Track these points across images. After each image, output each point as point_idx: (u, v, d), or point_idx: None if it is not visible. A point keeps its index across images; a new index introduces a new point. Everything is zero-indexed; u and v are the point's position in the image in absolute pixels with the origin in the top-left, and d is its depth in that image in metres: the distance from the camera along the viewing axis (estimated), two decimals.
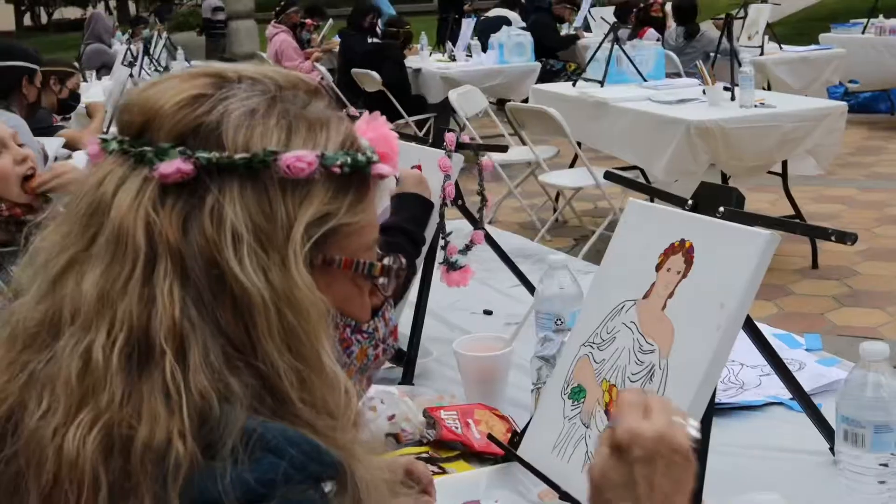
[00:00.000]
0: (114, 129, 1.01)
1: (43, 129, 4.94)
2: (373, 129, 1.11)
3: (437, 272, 2.31)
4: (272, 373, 0.91)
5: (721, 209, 1.50)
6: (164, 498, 0.84)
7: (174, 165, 0.91)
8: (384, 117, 1.13)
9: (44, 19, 45.24)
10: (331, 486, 0.91)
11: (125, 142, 0.96)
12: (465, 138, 2.27)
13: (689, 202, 1.56)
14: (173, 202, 0.92)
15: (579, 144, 6.63)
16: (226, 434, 0.87)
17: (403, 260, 1.10)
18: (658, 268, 1.57)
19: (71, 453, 0.86)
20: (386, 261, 1.07)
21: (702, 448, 1.45)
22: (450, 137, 2.23)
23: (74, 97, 5.74)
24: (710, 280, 1.47)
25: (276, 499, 0.86)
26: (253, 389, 0.91)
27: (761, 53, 8.75)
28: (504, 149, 2.36)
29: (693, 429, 1.14)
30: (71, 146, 4.67)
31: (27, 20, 43.78)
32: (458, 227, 2.48)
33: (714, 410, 1.48)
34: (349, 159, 0.99)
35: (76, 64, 8.81)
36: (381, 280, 1.08)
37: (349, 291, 1.05)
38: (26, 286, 0.97)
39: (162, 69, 5.99)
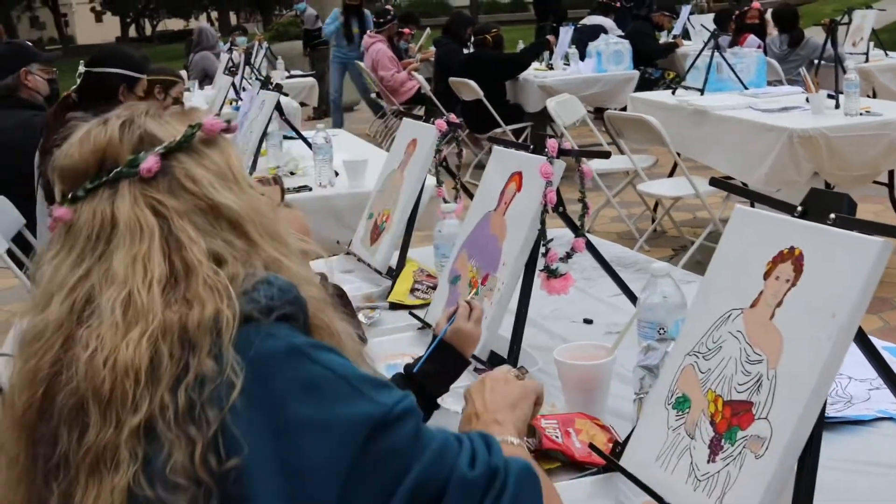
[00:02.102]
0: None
1: None
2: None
3: (538, 280, 2.30)
4: (267, 256, 1.33)
5: (832, 216, 1.46)
6: (220, 347, 1.19)
7: (151, 161, 1.30)
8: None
9: (148, 31, 46.27)
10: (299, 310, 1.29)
11: (90, 183, 1.30)
12: (567, 145, 2.25)
13: (799, 209, 1.52)
14: (157, 184, 1.30)
15: (678, 154, 6.56)
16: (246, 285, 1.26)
17: None
18: (766, 276, 1.53)
19: (126, 359, 1.18)
20: None
21: (811, 462, 1.42)
22: (552, 144, 2.22)
23: (178, 105, 5.81)
24: (820, 289, 1.43)
25: (278, 310, 1.24)
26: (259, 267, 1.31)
27: (866, 60, 8.56)
28: (607, 155, 2.34)
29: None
30: None
31: (132, 31, 44.82)
32: (559, 235, 2.47)
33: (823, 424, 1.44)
34: None
35: (183, 73, 8.95)
36: None
37: None
38: (39, 305, 1.28)
39: (262, 78, 6.04)
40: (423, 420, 1.31)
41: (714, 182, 1.80)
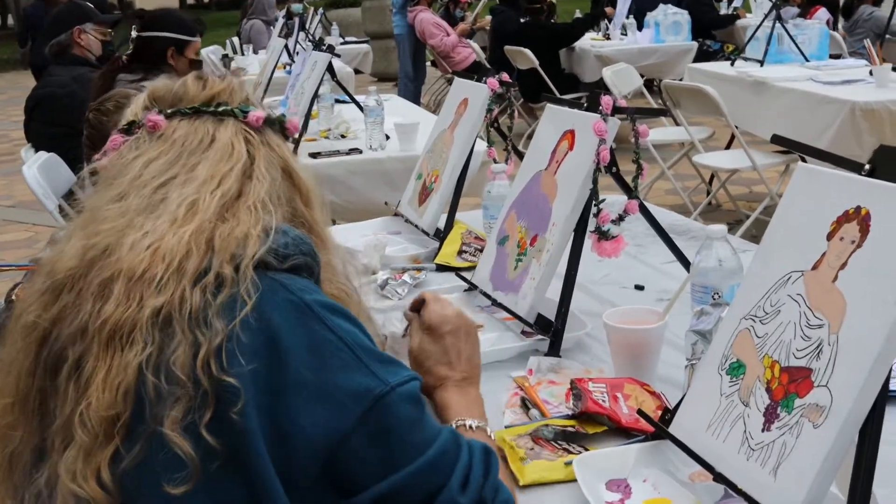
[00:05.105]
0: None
1: None
2: None
3: (588, 244, 2.22)
4: (312, 221, 1.47)
5: None
6: (241, 261, 1.26)
7: (259, 113, 1.48)
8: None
9: None
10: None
11: (196, 107, 1.46)
12: (622, 102, 2.17)
13: (867, 167, 1.43)
14: (254, 134, 1.46)
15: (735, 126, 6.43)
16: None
17: None
18: (829, 237, 1.45)
19: (168, 246, 1.27)
20: None
21: (873, 433, 1.34)
22: (606, 100, 2.14)
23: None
24: (888, 251, 1.35)
25: (292, 258, 1.31)
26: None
27: None
28: (664, 112, 2.28)
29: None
30: None
31: None
32: (611, 202, 2.39)
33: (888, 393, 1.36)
34: None
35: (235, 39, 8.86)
36: None
37: None
38: (116, 196, 1.36)
39: (315, 43, 5.97)
40: None
41: (776, 139, 1.72)
